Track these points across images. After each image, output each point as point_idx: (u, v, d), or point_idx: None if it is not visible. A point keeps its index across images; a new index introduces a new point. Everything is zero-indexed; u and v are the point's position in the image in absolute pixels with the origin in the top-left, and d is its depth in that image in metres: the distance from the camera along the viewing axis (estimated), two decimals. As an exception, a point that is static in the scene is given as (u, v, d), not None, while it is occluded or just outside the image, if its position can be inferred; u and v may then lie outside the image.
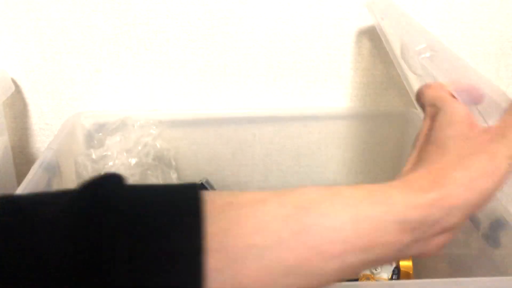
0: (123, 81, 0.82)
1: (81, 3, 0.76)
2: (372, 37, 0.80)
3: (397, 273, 0.67)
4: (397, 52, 0.74)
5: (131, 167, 0.70)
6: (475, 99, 0.40)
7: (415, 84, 0.58)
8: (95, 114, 0.79)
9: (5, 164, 0.82)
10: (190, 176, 0.85)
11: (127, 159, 0.70)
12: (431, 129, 0.38)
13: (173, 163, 0.81)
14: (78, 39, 0.78)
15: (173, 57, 0.80)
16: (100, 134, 0.74)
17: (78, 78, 0.81)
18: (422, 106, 0.41)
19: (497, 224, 0.52)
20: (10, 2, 0.75)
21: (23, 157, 0.88)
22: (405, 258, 0.29)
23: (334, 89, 0.83)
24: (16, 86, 0.81)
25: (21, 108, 0.84)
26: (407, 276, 0.67)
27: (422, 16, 0.78)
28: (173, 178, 0.79)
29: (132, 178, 0.69)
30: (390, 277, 0.66)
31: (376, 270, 0.65)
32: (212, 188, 0.81)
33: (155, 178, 0.70)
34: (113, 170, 0.70)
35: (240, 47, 0.80)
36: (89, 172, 0.70)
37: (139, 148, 0.71)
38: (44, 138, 0.86)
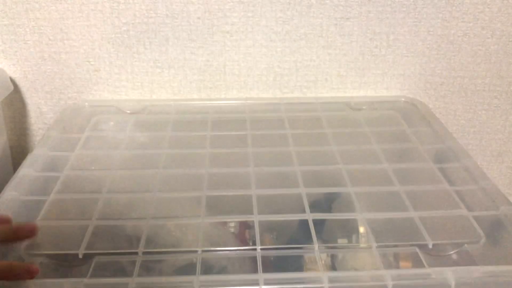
0: (122, 81, 0.82)
1: (80, 3, 0.76)
2: (373, 37, 0.80)
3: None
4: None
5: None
6: None
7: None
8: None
9: (4, 164, 0.82)
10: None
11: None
12: None
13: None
14: (77, 39, 0.78)
15: (172, 57, 0.80)
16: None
17: (77, 77, 0.81)
18: None
19: (497, 224, 0.51)
20: (9, 2, 0.75)
21: (21, 157, 0.88)
22: None
23: (334, 89, 0.83)
24: (15, 85, 0.81)
25: (20, 107, 0.83)
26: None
27: (423, 15, 0.77)
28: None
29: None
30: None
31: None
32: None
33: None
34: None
35: (240, 47, 0.79)
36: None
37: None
38: (43, 138, 0.86)
